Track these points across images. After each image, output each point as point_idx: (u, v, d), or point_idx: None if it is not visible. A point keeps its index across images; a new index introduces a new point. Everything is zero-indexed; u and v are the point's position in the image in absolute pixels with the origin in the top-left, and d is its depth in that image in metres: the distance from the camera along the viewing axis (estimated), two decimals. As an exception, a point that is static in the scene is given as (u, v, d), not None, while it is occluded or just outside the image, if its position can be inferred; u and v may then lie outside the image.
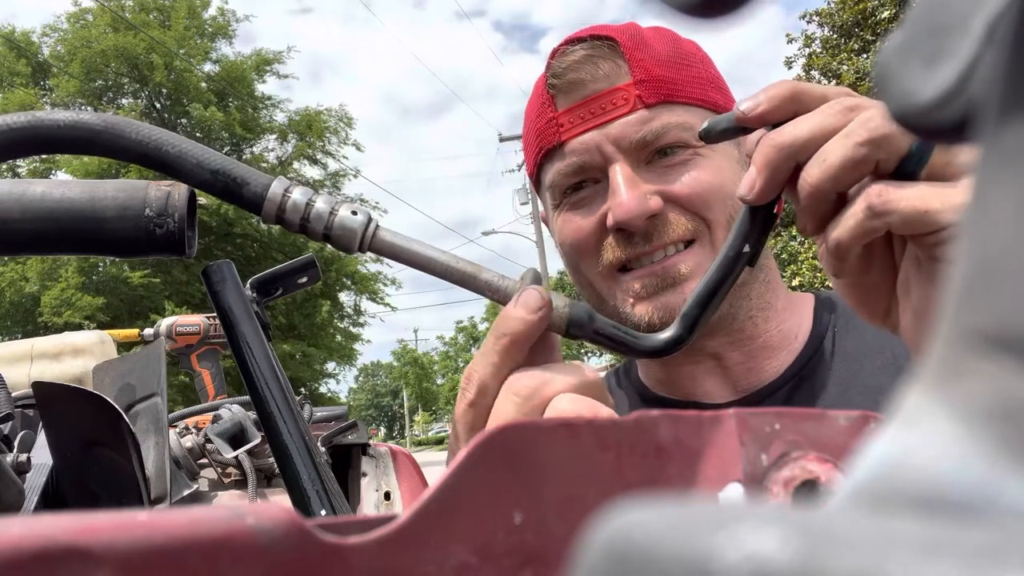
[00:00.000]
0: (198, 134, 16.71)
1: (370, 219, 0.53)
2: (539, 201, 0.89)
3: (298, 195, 0.53)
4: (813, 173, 0.47)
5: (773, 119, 0.50)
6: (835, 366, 0.77)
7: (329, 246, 0.55)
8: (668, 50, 0.77)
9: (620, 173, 0.73)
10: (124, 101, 17.21)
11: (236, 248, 16.55)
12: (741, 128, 0.52)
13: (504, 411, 0.47)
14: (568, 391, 0.46)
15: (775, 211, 0.54)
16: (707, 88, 0.77)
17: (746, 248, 0.54)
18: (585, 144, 0.75)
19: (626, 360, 0.93)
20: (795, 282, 11.37)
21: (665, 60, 0.76)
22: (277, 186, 0.53)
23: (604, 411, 0.46)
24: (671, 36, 0.80)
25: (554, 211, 0.81)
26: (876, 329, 0.81)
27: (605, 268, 0.77)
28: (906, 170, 0.46)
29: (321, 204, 0.53)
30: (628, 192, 0.72)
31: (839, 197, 0.48)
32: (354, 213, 0.53)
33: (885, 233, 0.47)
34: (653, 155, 0.75)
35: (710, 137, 0.54)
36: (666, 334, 0.54)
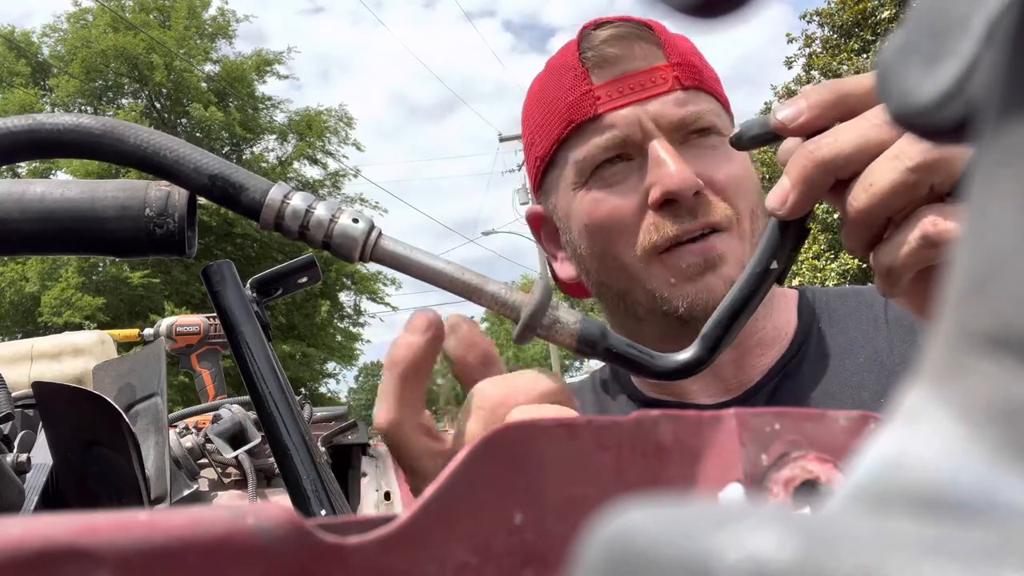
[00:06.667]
0: (198, 134, 16.71)
1: (372, 227, 0.51)
2: (530, 197, 0.86)
3: (297, 201, 0.51)
4: (860, 199, 0.44)
5: (814, 128, 0.47)
6: (818, 363, 0.77)
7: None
8: (688, 43, 0.79)
9: (662, 148, 0.72)
10: (124, 101, 17.20)
11: (236, 248, 16.54)
12: (774, 135, 0.49)
13: (475, 427, 0.44)
14: (532, 401, 0.44)
15: (807, 225, 0.51)
16: (718, 85, 0.79)
17: (774, 265, 0.51)
18: (626, 118, 0.74)
19: None
20: (795, 282, 11.37)
21: (690, 50, 0.78)
22: (276, 192, 0.51)
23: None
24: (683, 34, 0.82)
25: (575, 190, 0.78)
26: (860, 325, 0.81)
27: (646, 250, 0.74)
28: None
29: (321, 211, 0.51)
30: (676, 164, 0.71)
31: (889, 217, 0.45)
32: (355, 220, 0.51)
33: None
34: (688, 136, 0.75)
35: (740, 144, 0.51)
36: (685, 355, 0.51)
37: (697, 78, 0.75)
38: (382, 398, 0.45)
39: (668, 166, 0.71)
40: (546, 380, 0.45)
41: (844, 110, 0.46)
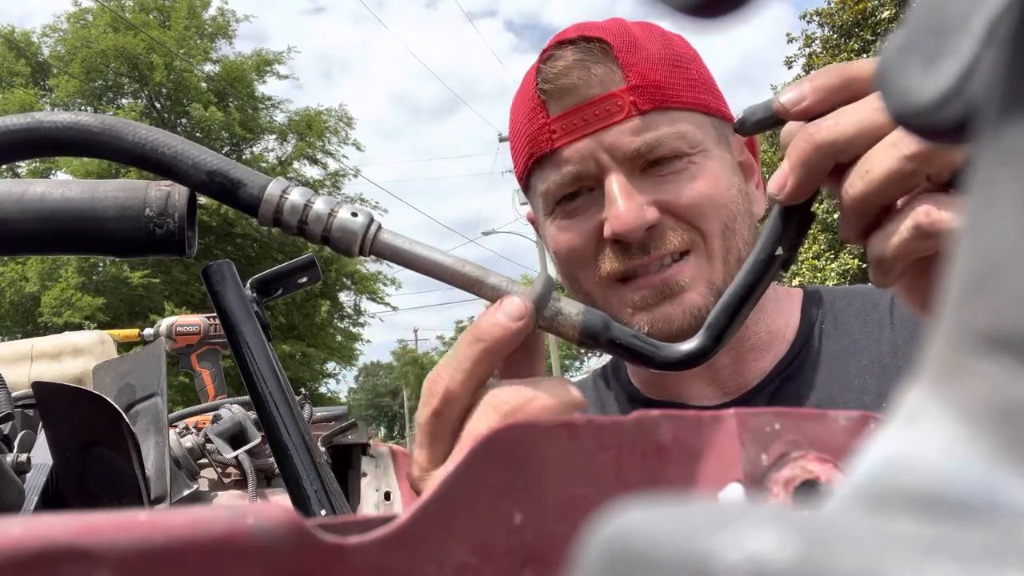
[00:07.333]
0: (198, 134, 16.70)
1: (371, 221, 0.50)
2: (529, 203, 0.87)
3: (296, 196, 0.51)
4: (856, 185, 0.44)
5: (818, 113, 0.45)
6: (820, 365, 0.76)
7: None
8: (660, 51, 0.75)
9: (616, 183, 0.72)
10: (124, 101, 17.21)
11: (236, 248, 16.54)
12: (776, 120, 0.48)
13: (481, 426, 0.44)
14: (550, 411, 0.43)
15: (811, 210, 0.50)
16: (699, 90, 0.76)
17: (779, 251, 0.50)
18: (580, 152, 0.73)
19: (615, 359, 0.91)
20: (795, 282, 11.37)
21: (658, 62, 0.74)
22: (274, 187, 0.51)
23: None
24: (660, 33, 0.77)
25: (546, 218, 0.79)
26: (864, 327, 0.80)
27: (603, 279, 0.75)
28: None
29: (320, 205, 0.51)
30: (625, 204, 0.71)
31: (885, 206, 0.45)
32: (354, 215, 0.50)
33: None
34: (648, 164, 0.73)
35: (744, 129, 0.50)
36: (690, 345, 0.51)
37: (659, 98, 0.72)
38: (456, 364, 0.45)
39: (616, 206, 0.71)
40: (568, 390, 0.45)
41: (849, 95, 0.45)
